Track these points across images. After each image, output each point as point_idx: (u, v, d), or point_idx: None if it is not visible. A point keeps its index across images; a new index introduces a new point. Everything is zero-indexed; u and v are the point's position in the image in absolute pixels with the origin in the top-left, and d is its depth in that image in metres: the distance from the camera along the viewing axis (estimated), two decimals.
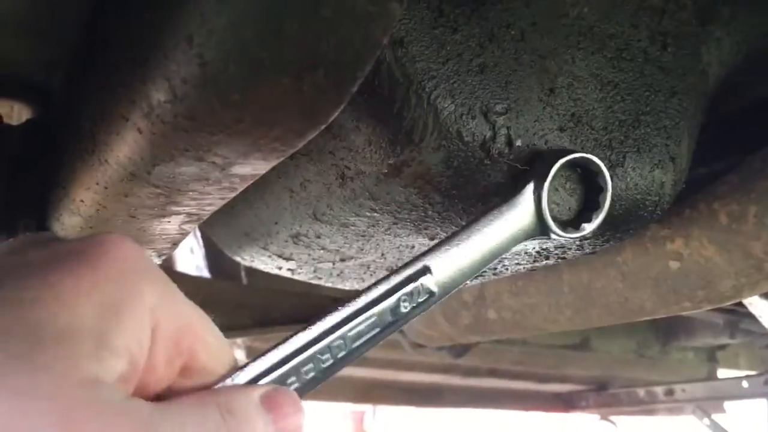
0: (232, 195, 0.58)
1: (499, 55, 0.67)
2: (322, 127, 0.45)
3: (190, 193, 0.56)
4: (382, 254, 0.89)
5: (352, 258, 0.92)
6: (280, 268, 1.03)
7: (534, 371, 2.68)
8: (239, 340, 2.23)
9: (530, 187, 0.66)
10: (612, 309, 1.05)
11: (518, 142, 0.67)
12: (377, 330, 0.51)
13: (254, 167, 0.51)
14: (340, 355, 0.47)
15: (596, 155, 0.72)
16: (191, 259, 2.32)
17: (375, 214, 0.77)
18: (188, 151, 0.47)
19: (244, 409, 0.38)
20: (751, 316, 1.96)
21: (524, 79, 0.68)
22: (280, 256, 0.98)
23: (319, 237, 0.87)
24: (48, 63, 0.83)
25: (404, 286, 0.53)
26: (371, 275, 0.99)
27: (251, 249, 1.00)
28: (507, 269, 0.91)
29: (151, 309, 0.35)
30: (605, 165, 0.70)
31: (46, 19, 0.77)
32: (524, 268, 0.90)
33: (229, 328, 1.75)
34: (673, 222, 0.92)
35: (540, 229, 0.66)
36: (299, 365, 0.45)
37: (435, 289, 0.56)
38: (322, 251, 0.92)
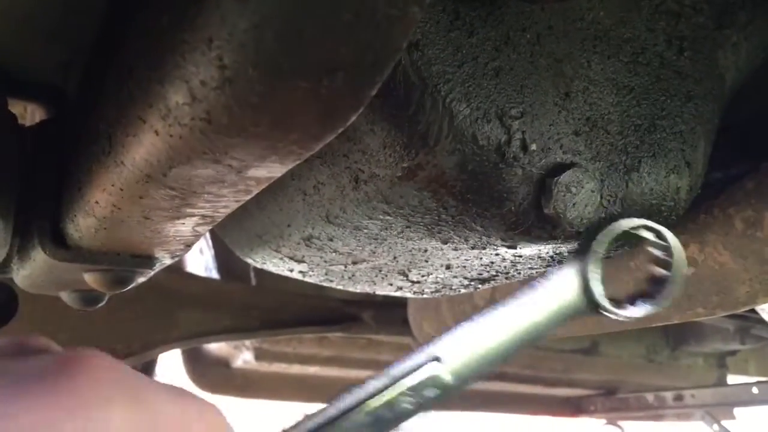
0: (247, 197, 0.58)
1: (515, 58, 0.67)
2: (340, 130, 0.45)
3: (206, 195, 0.56)
4: (395, 257, 0.89)
5: (364, 261, 0.92)
6: (291, 271, 1.03)
7: (542, 375, 2.67)
8: (247, 342, 2.23)
9: (574, 265, 0.57)
10: None
11: (533, 146, 0.67)
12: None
13: (270, 170, 0.51)
14: None
15: (611, 160, 0.72)
16: (200, 259, 2.33)
17: (388, 218, 0.77)
18: (205, 154, 0.47)
19: None
20: (762, 322, 1.94)
21: (540, 83, 0.68)
22: (292, 259, 0.98)
23: (331, 240, 0.87)
24: (63, 64, 0.83)
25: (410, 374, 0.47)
26: (383, 278, 0.99)
27: (263, 251, 1.00)
28: (520, 274, 0.91)
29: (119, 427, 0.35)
30: (619, 169, 0.69)
31: (62, 21, 0.77)
32: (537, 272, 0.90)
33: (237, 330, 1.76)
34: (688, 227, 0.91)
35: (589, 307, 0.57)
36: None
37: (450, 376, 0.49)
38: (334, 254, 0.91)
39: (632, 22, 0.74)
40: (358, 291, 1.08)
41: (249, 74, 0.39)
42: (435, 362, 0.48)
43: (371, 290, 1.06)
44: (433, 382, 0.48)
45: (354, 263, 0.94)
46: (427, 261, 0.88)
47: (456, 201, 0.69)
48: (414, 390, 0.46)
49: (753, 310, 1.45)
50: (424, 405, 0.47)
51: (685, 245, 0.93)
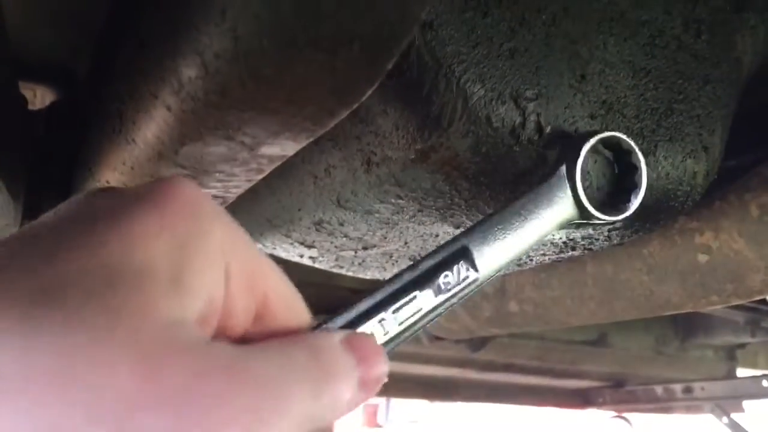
0: (259, 177, 0.57)
1: (530, 39, 0.66)
2: (354, 106, 0.45)
3: (217, 174, 0.56)
4: (405, 243, 0.88)
5: (374, 246, 0.91)
6: (301, 256, 1.02)
7: (551, 367, 2.66)
8: None
9: (563, 171, 0.63)
10: (637, 302, 1.04)
11: (548, 129, 0.66)
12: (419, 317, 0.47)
13: (283, 147, 0.50)
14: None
15: None
16: None
17: (400, 201, 0.76)
18: (217, 130, 0.46)
19: (330, 350, 0.37)
20: None
21: (555, 65, 0.67)
22: (302, 244, 0.97)
23: (342, 224, 0.86)
24: (73, 46, 0.83)
25: (445, 268, 0.50)
26: (393, 264, 0.98)
27: (273, 236, 1.00)
28: (532, 260, 0.90)
29: (222, 249, 0.33)
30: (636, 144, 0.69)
31: (71, 4, 0.76)
32: (549, 259, 0.89)
33: None
34: (703, 214, 0.90)
35: (579, 213, 0.64)
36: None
37: (477, 271, 0.52)
38: (344, 239, 0.91)
39: (649, 4, 0.73)
40: (368, 278, 1.07)
41: (263, 46, 0.38)
42: (464, 259, 0.52)
43: (381, 276, 1.06)
44: (464, 257, 0.51)
45: (364, 249, 0.93)
46: None
47: (469, 184, 0.69)
48: (445, 285, 0.49)
49: (764, 302, 1.43)
50: (455, 299, 0.50)
51: (699, 232, 0.92)
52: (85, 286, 0.28)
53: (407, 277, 0.47)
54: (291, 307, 0.38)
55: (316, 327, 0.40)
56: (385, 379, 0.39)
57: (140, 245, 0.30)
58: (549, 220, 0.62)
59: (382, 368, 0.39)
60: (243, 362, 0.31)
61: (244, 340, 0.36)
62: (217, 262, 0.33)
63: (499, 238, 0.56)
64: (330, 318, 0.42)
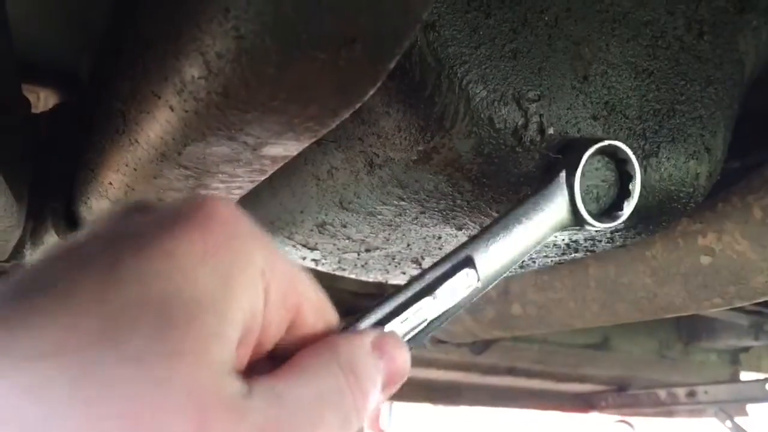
0: (262, 178, 0.57)
1: (533, 40, 0.66)
2: (358, 105, 0.45)
3: (220, 175, 0.56)
4: (408, 245, 0.88)
5: (377, 248, 0.91)
6: (304, 259, 1.02)
7: (553, 370, 2.65)
8: None
9: (562, 177, 0.64)
10: (640, 305, 1.03)
11: (551, 130, 0.66)
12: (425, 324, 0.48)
13: (286, 148, 0.50)
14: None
15: (630, 145, 0.71)
16: None
17: (402, 203, 0.76)
18: (220, 130, 0.46)
19: (362, 362, 0.38)
20: None
21: (557, 66, 0.67)
22: (304, 246, 0.97)
23: (345, 226, 0.86)
24: (76, 48, 0.83)
25: (449, 277, 0.51)
26: (396, 266, 0.98)
27: (275, 238, 1.00)
28: (534, 262, 0.90)
29: (262, 272, 0.34)
30: (637, 154, 0.69)
31: (74, 6, 0.76)
32: (552, 261, 0.89)
33: None
34: (706, 216, 0.90)
35: (574, 219, 0.64)
36: None
37: (479, 280, 0.54)
38: (347, 241, 0.91)
39: (652, 5, 0.73)
40: (370, 280, 1.07)
41: (266, 45, 0.38)
42: (468, 267, 0.53)
43: (384, 279, 1.05)
44: (467, 284, 0.52)
45: (367, 251, 0.93)
46: (441, 249, 0.88)
47: (472, 185, 0.69)
48: (451, 292, 0.50)
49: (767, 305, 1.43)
50: (458, 306, 0.51)
51: (702, 234, 0.92)
52: (143, 327, 0.30)
53: (415, 287, 0.48)
54: (321, 311, 0.39)
55: (343, 329, 0.41)
56: (407, 374, 0.41)
57: (189, 276, 0.32)
58: (547, 225, 0.63)
59: (406, 365, 0.41)
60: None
61: (277, 349, 0.37)
62: (257, 286, 0.34)
63: (500, 245, 0.57)
64: (351, 323, 0.42)
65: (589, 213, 0.65)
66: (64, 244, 0.34)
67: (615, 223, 0.67)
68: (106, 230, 0.34)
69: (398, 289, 0.47)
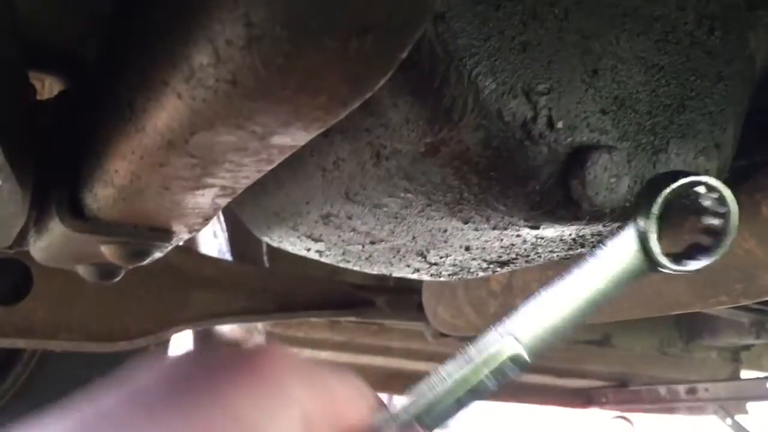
0: (269, 168, 0.57)
1: (542, 33, 0.65)
2: (368, 95, 0.44)
3: (227, 164, 0.55)
4: (413, 237, 0.88)
5: (382, 241, 0.91)
6: (308, 250, 1.02)
7: (553, 366, 2.65)
8: (260, 325, 2.23)
9: (633, 226, 0.54)
10: (645, 301, 1.03)
11: (559, 124, 0.66)
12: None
13: (294, 138, 0.50)
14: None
15: (639, 140, 0.70)
16: (214, 243, 2.33)
17: (409, 195, 0.75)
18: (228, 119, 0.46)
19: None
20: None
21: (567, 60, 0.66)
22: (309, 237, 0.97)
23: (350, 218, 0.86)
24: (82, 34, 0.83)
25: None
26: (400, 259, 0.98)
27: (280, 229, 0.99)
28: (540, 257, 0.90)
29: (303, 412, 0.37)
30: (646, 150, 0.68)
31: None
32: (558, 256, 0.88)
33: (252, 312, 1.76)
34: None
35: (648, 266, 0.54)
36: None
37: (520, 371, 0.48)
38: (352, 233, 0.90)
39: (662, 0, 0.72)
40: (374, 272, 1.07)
41: (276, 33, 0.38)
42: (512, 341, 0.47)
43: (388, 272, 1.05)
44: (513, 360, 0.47)
45: (372, 243, 0.93)
46: (446, 242, 0.87)
47: (479, 178, 0.68)
48: (495, 371, 0.46)
49: None
50: (503, 383, 0.47)
51: None
52: None
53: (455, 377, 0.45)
54: (360, 411, 0.41)
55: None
56: None
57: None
58: (611, 282, 0.53)
59: None
60: None
61: None
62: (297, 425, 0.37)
63: (550, 322, 0.50)
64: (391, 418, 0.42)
65: (669, 258, 0.54)
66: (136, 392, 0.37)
67: (699, 266, 0.55)
68: (171, 383, 0.37)
69: (431, 383, 0.44)
